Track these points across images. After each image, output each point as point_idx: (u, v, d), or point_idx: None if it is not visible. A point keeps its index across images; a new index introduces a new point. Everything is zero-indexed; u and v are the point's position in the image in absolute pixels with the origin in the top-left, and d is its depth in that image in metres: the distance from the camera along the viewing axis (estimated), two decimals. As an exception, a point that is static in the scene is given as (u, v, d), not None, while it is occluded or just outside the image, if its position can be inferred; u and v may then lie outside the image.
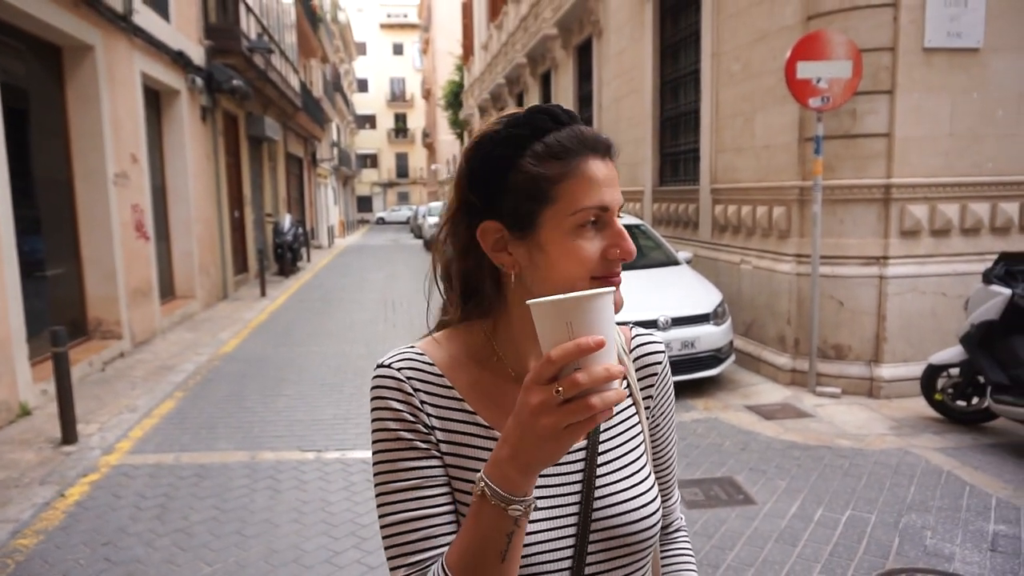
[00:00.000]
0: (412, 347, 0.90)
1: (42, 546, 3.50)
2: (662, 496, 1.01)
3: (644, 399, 0.98)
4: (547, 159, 0.80)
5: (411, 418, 0.84)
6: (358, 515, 3.82)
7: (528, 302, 0.68)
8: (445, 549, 0.80)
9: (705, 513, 3.71)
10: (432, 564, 0.79)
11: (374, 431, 0.85)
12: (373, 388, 0.86)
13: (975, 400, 4.96)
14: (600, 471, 0.88)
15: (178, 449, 4.85)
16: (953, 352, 4.94)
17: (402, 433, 0.83)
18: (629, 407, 0.95)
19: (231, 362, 7.47)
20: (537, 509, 0.83)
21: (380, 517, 0.84)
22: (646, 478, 0.91)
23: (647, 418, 0.98)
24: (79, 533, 3.63)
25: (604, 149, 0.82)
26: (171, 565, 3.30)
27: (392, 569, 0.82)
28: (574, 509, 0.85)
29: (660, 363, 0.99)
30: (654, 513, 0.88)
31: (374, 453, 0.85)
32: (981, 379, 4.82)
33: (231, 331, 9.17)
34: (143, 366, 7.21)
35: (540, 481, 0.84)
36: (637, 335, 1.00)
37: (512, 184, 0.81)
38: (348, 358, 7.55)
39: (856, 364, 5.82)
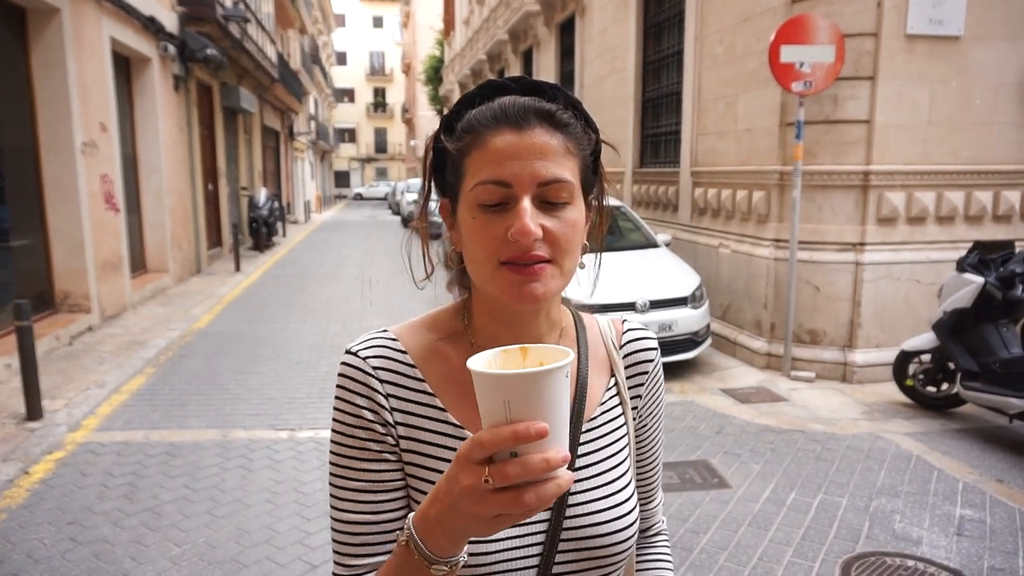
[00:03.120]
0: (385, 332, 0.86)
1: (4, 525, 3.41)
2: (643, 499, 0.98)
3: (632, 398, 0.92)
4: (464, 133, 0.77)
5: (370, 416, 0.80)
6: (332, 495, 3.78)
7: (468, 364, 0.60)
8: (385, 557, 0.79)
9: (680, 496, 3.73)
10: (367, 573, 0.79)
11: (333, 421, 0.83)
12: (339, 376, 0.83)
13: (945, 386, 5.04)
14: (577, 476, 0.82)
15: (148, 427, 4.76)
16: (925, 339, 5.01)
17: (358, 432, 0.80)
18: (615, 407, 0.90)
19: (204, 338, 7.34)
20: None
21: (330, 511, 0.83)
22: (626, 486, 0.86)
23: (634, 418, 0.93)
24: (43, 512, 3.55)
25: (520, 120, 0.74)
26: (139, 545, 3.24)
27: (335, 563, 0.82)
28: (544, 515, 0.80)
29: (651, 360, 0.94)
30: (630, 525, 0.84)
31: (331, 443, 0.83)
32: (951, 366, 4.90)
33: (204, 306, 9.01)
34: (112, 341, 7.06)
35: None
36: (629, 328, 0.95)
37: (448, 160, 0.80)
38: (324, 335, 7.46)
39: (830, 349, 5.88)
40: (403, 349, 0.84)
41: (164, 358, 6.51)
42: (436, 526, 0.63)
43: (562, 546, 0.80)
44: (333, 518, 0.82)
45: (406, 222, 23.28)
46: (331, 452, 0.82)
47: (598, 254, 0.88)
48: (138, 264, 9.77)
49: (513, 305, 0.75)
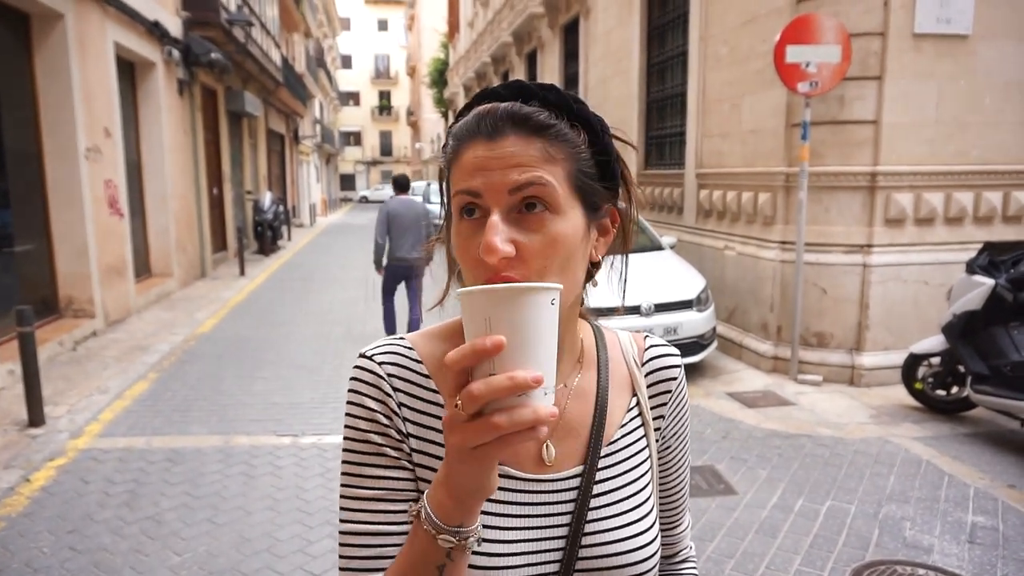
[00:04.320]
0: (402, 339, 0.82)
1: (4, 533, 3.39)
2: (670, 523, 0.94)
3: (655, 418, 0.88)
4: (449, 147, 0.75)
5: (385, 422, 0.77)
6: (333, 502, 3.74)
7: (458, 290, 0.61)
8: None
9: (685, 502, 3.68)
10: None
11: (345, 427, 0.79)
12: (351, 380, 0.79)
13: (955, 389, 4.97)
14: (595, 502, 0.79)
15: (150, 433, 4.74)
16: (934, 341, 4.94)
17: (373, 437, 0.77)
18: (637, 428, 0.85)
19: (208, 343, 7.33)
20: (519, 542, 0.76)
21: (339, 519, 0.78)
22: (648, 512, 0.82)
23: (656, 440, 0.88)
24: (44, 520, 3.52)
25: (492, 130, 0.70)
26: (139, 554, 3.21)
27: None
28: (559, 544, 0.77)
29: (675, 378, 0.89)
30: (652, 556, 0.80)
31: (343, 451, 0.79)
32: (961, 369, 4.83)
33: (208, 311, 9.01)
34: (116, 346, 7.05)
35: (525, 510, 0.77)
36: (651, 344, 0.90)
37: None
38: (328, 339, 7.43)
39: (838, 352, 5.82)
40: (418, 358, 0.80)
41: (167, 363, 6.49)
42: (442, 486, 0.63)
43: None
44: (343, 530, 0.77)
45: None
46: (344, 460, 0.78)
47: (624, 258, 0.83)
48: (142, 269, 9.77)
49: None
